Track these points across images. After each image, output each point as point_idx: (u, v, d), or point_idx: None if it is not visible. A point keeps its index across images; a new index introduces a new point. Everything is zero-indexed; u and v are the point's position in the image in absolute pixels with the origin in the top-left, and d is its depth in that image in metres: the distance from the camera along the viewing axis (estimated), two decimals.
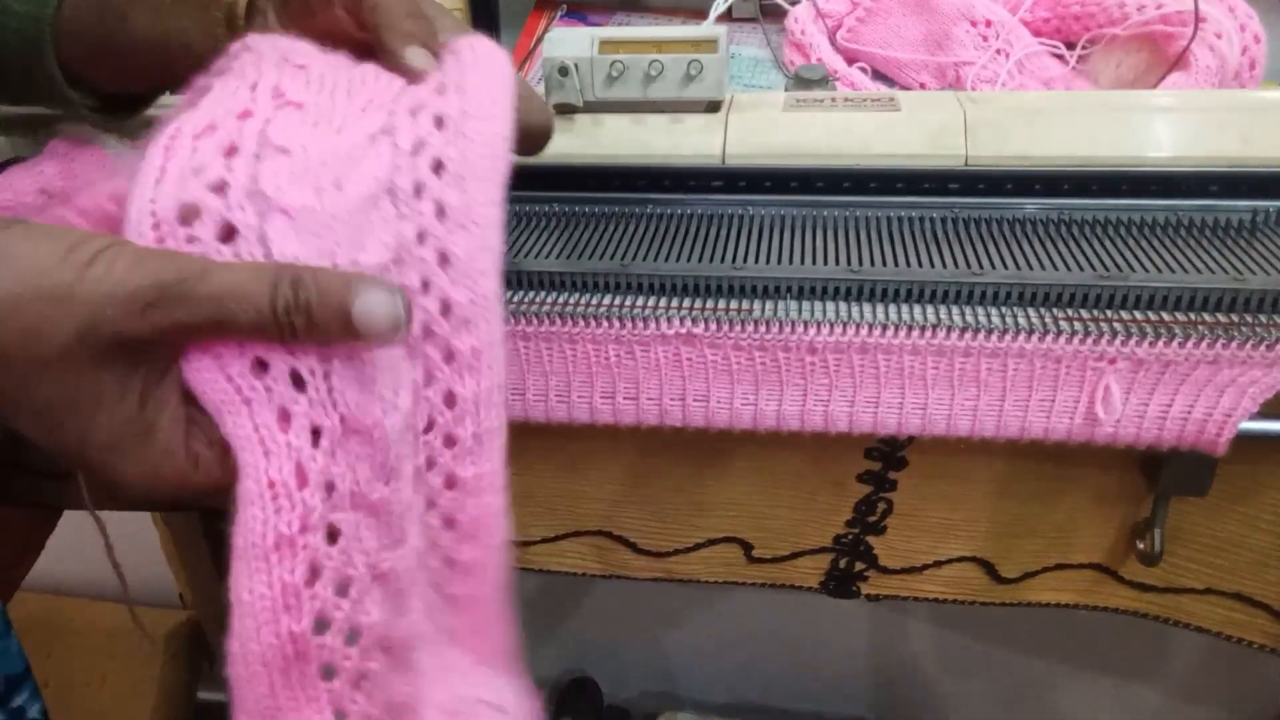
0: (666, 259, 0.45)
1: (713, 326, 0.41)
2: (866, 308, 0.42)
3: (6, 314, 0.25)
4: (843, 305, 0.42)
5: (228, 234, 0.28)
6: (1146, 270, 0.42)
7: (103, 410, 0.27)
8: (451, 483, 0.33)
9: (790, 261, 0.44)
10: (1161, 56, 0.62)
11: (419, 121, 0.32)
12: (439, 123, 0.32)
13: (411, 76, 0.34)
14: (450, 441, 0.32)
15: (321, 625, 0.28)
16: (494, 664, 0.37)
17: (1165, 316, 0.40)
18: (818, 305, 0.42)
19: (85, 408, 0.26)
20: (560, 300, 0.43)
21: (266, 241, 0.28)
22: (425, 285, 0.30)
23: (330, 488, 0.28)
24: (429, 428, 0.32)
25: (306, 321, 0.27)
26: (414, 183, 0.31)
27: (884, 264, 0.43)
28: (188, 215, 0.28)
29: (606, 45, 0.50)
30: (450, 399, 0.32)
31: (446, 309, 0.31)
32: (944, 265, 0.43)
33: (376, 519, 0.29)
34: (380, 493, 0.29)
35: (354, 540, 0.29)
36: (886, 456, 0.49)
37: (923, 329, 0.40)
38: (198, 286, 0.26)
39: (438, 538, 0.33)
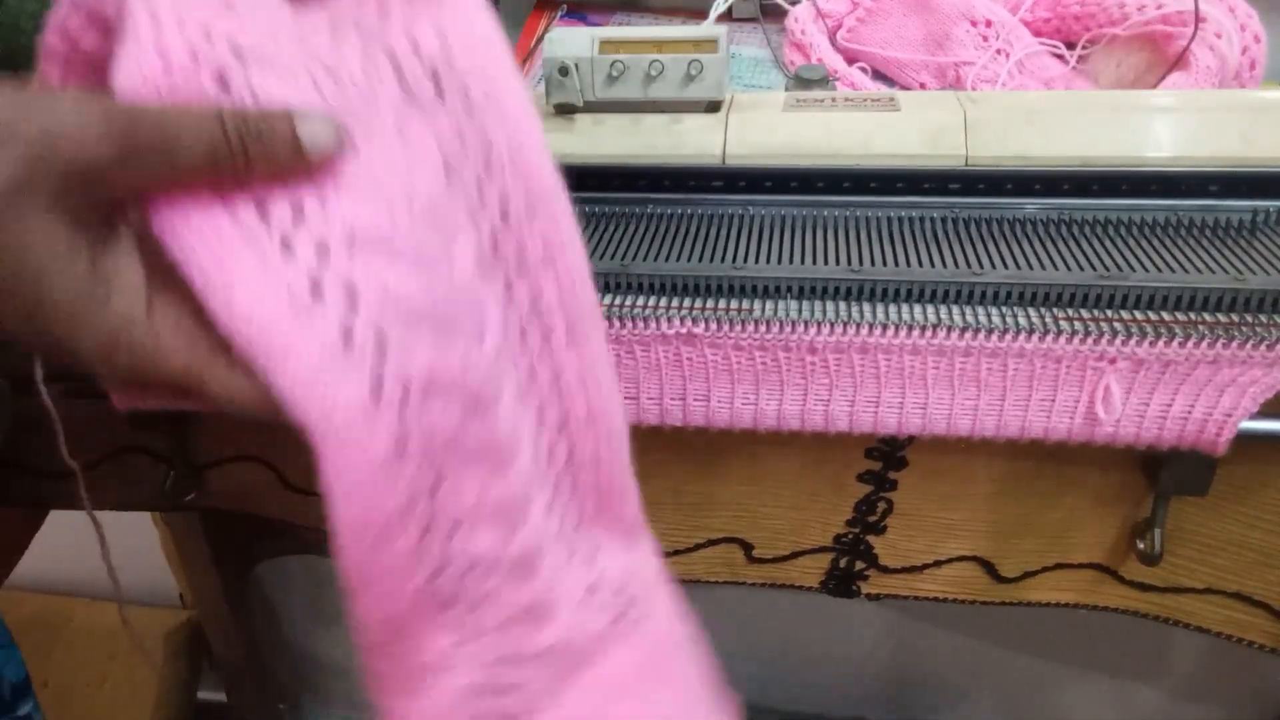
0: (666, 259, 0.45)
1: (713, 326, 0.41)
2: (866, 308, 0.42)
3: None
4: (843, 305, 0.42)
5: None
6: (1146, 270, 0.42)
7: (54, 268, 0.24)
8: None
9: (790, 261, 0.44)
10: (1161, 56, 0.62)
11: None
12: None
13: None
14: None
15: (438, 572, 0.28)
16: (618, 532, 0.35)
17: (1165, 316, 0.40)
18: (818, 305, 0.42)
19: (33, 264, 0.24)
20: None
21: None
22: None
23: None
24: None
25: (260, 146, 0.26)
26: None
27: (884, 264, 0.43)
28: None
29: (607, 45, 0.50)
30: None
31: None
32: (944, 265, 0.43)
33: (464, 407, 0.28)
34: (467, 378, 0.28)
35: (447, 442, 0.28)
36: (887, 456, 0.49)
37: (923, 329, 0.40)
38: (146, 116, 0.25)
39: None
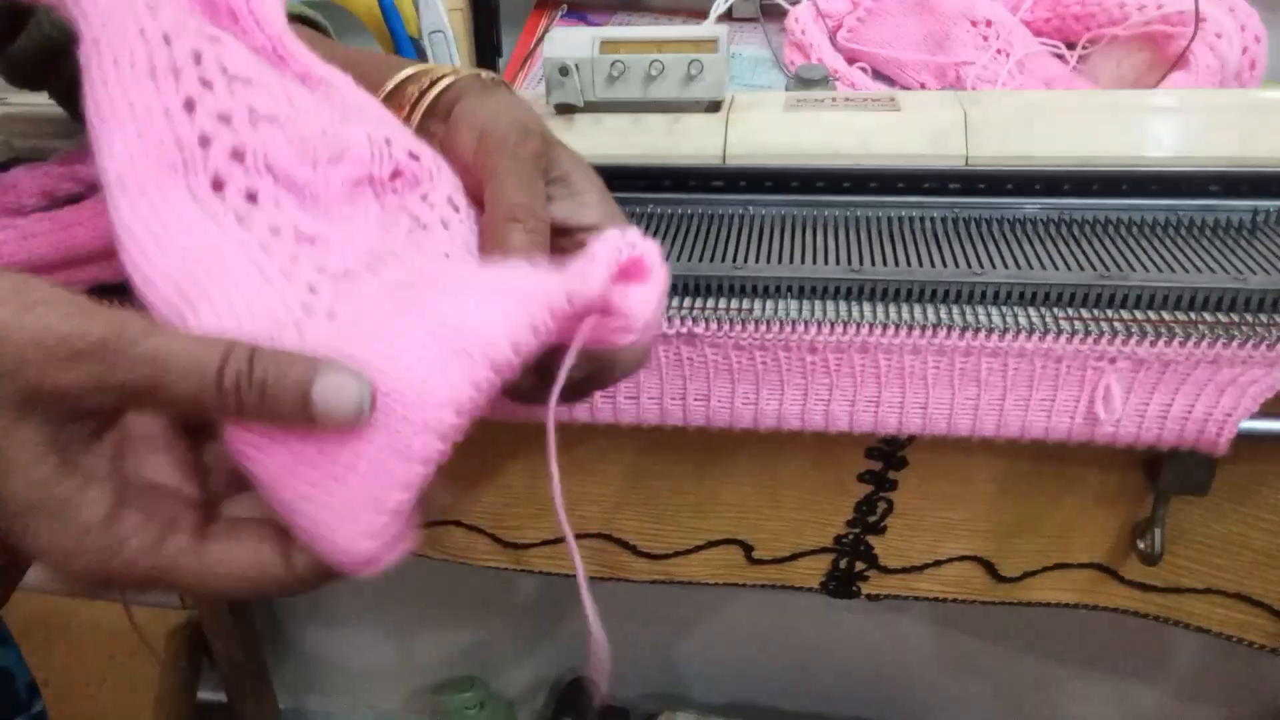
0: (666, 259, 0.44)
1: (713, 326, 0.41)
2: (867, 307, 0.42)
3: None
4: (843, 305, 0.42)
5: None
6: (1147, 270, 0.42)
7: (15, 471, 0.24)
8: None
9: (790, 261, 0.44)
10: (1162, 56, 0.62)
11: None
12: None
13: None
14: None
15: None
16: None
17: (1165, 316, 0.40)
18: (818, 305, 0.42)
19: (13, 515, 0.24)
20: None
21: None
22: None
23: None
24: None
25: (258, 399, 0.25)
26: None
27: (884, 264, 0.43)
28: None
29: (607, 45, 0.50)
30: None
31: None
32: (944, 265, 0.43)
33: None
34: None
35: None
36: (887, 456, 0.49)
37: (923, 329, 0.40)
38: (138, 344, 0.24)
39: None
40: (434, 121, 0.35)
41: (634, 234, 0.31)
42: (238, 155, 0.29)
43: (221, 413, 0.25)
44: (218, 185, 0.29)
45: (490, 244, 0.32)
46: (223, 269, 0.27)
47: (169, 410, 0.26)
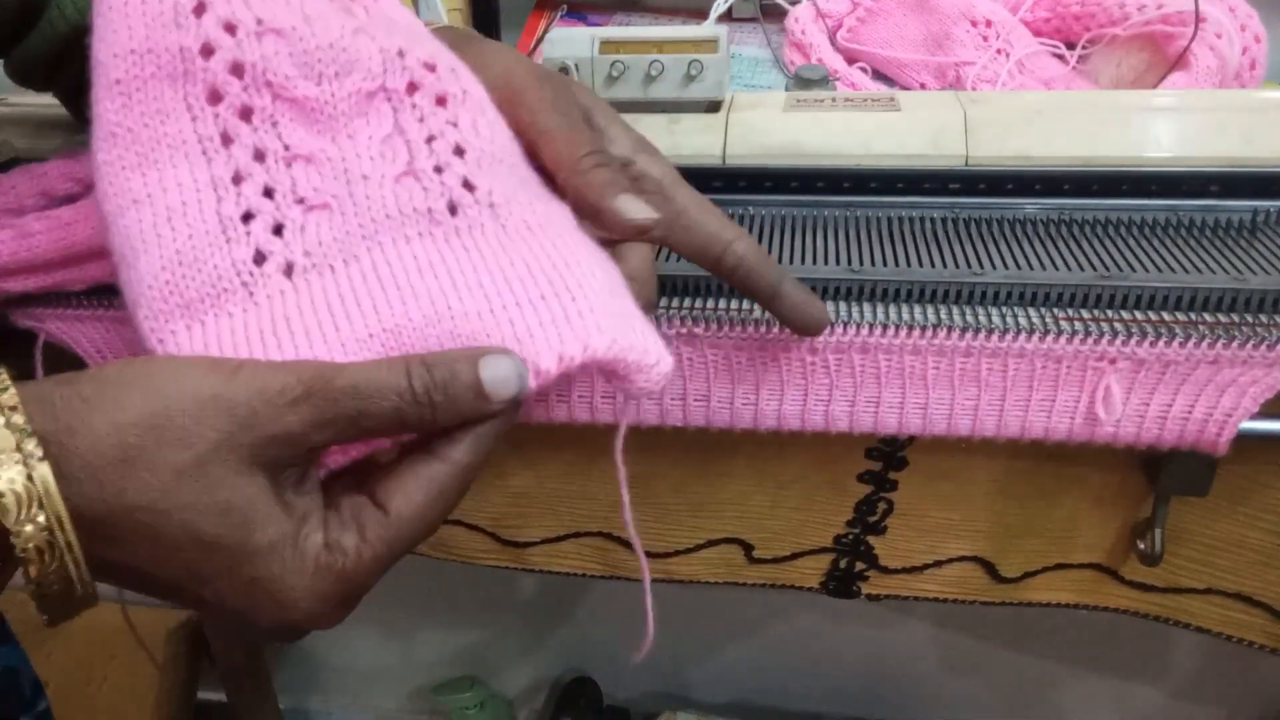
0: (667, 259, 0.44)
1: (713, 326, 0.41)
2: (867, 308, 0.42)
3: (160, 426, 0.24)
4: (843, 305, 0.42)
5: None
6: (1147, 270, 0.42)
7: (257, 520, 0.26)
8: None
9: (790, 261, 0.44)
10: (1162, 56, 0.62)
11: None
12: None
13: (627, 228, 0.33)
14: None
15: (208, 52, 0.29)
16: None
17: (1166, 316, 0.40)
18: None
19: (239, 516, 0.26)
20: None
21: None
22: None
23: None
24: None
25: (445, 398, 0.27)
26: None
27: (884, 264, 0.43)
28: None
29: (607, 45, 0.50)
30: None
31: None
32: (944, 265, 0.43)
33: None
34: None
35: None
36: (887, 456, 0.49)
37: (923, 329, 0.40)
38: (336, 380, 0.26)
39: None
40: None
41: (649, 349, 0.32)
42: (237, 69, 0.29)
43: (418, 423, 0.27)
44: (214, 98, 0.29)
45: (592, 192, 0.33)
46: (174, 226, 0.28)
47: (371, 435, 0.28)
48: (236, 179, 0.29)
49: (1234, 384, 0.39)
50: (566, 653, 1.18)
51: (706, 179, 0.50)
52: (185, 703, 1.04)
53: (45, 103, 0.51)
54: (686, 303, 0.43)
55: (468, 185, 0.33)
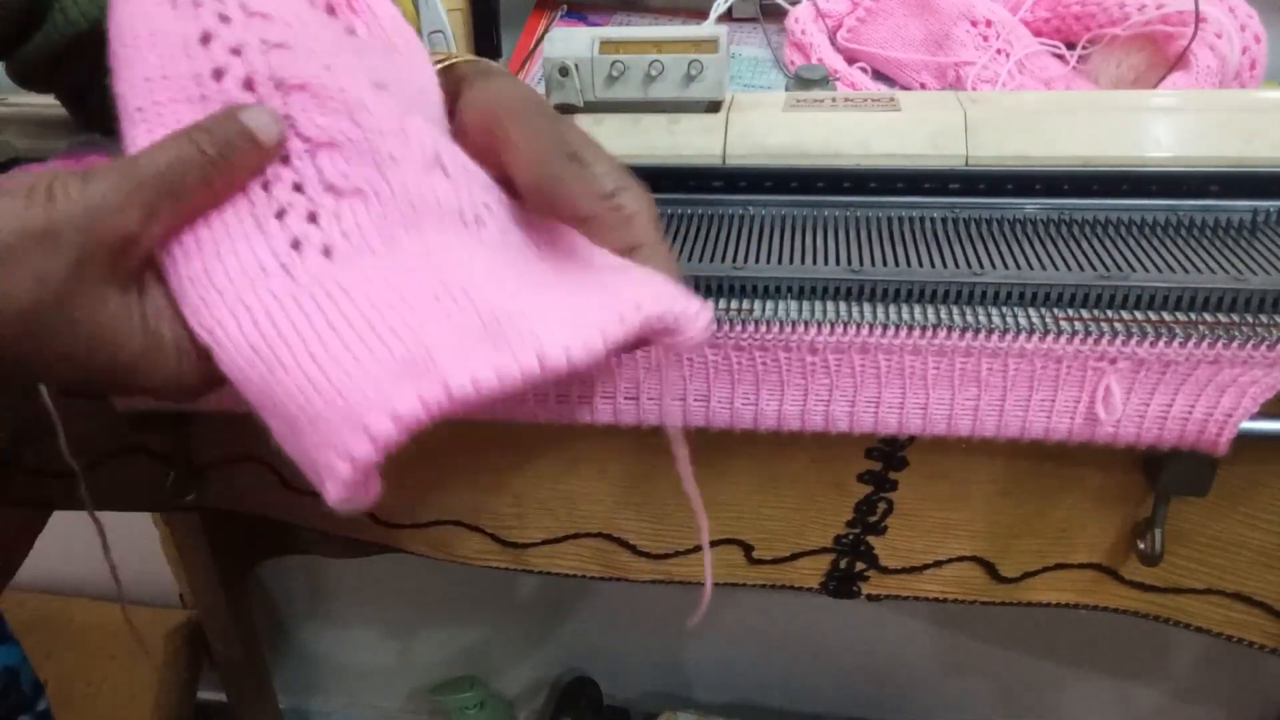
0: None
1: (713, 326, 0.41)
2: (867, 308, 0.42)
3: (11, 267, 0.26)
4: (843, 305, 0.42)
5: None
6: (1147, 270, 0.42)
7: (120, 331, 0.28)
8: None
9: (790, 261, 0.44)
10: (1162, 56, 0.62)
11: None
12: None
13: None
14: None
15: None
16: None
17: (1166, 316, 0.40)
18: (818, 305, 0.42)
19: (105, 334, 0.28)
20: None
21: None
22: None
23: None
24: None
25: (232, 152, 0.29)
26: None
27: (884, 264, 0.43)
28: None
29: (607, 45, 0.50)
30: None
31: None
32: (944, 265, 0.43)
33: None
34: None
35: None
36: (887, 456, 0.49)
37: (923, 329, 0.40)
38: (148, 170, 0.28)
39: None
40: None
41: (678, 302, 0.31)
42: (249, 84, 0.30)
43: (222, 181, 0.29)
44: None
45: (560, 189, 0.33)
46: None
47: (192, 208, 0.29)
48: (265, 185, 0.30)
49: (1234, 384, 0.39)
50: (566, 653, 1.18)
51: (706, 179, 0.50)
52: (185, 703, 1.05)
53: (45, 103, 0.51)
54: None
55: (486, 204, 0.33)
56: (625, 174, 0.36)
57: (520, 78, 0.71)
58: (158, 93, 0.30)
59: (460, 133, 0.36)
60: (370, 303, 0.28)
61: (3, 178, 0.28)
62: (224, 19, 0.30)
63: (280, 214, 0.30)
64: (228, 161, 0.29)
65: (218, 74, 0.30)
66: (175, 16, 0.30)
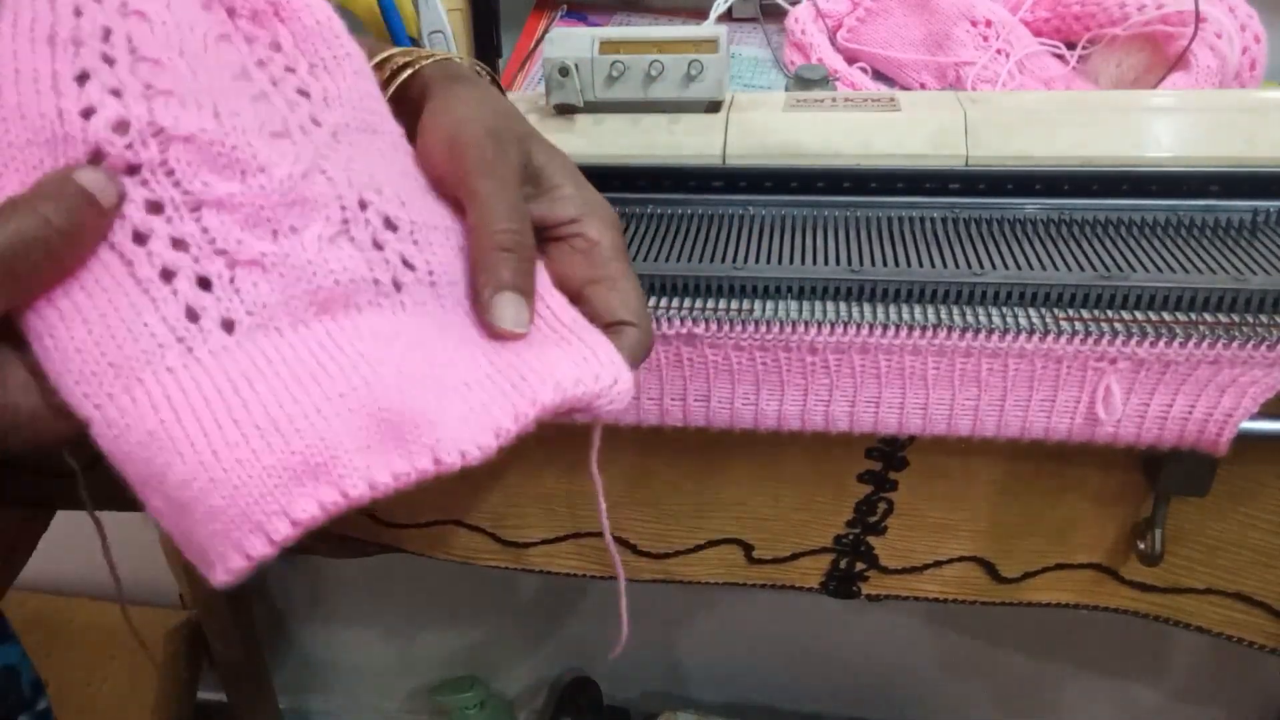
0: (666, 259, 0.45)
1: (713, 326, 0.41)
2: (867, 308, 0.42)
3: None
4: (843, 305, 0.42)
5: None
6: (1147, 270, 0.42)
7: None
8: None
9: (790, 261, 0.44)
10: (1162, 56, 0.62)
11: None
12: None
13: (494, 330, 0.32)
14: None
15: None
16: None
17: (1166, 316, 0.40)
18: (818, 305, 0.42)
19: None
20: None
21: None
22: None
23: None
24: None
25: (71, 218, 0.27)
26: None
27: (884, 264, 0.43)
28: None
29: (607, 45, 0.50)
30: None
31: None
32: (944, 265, 0.43)
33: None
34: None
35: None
36: (887, 456, 0.49)
37: (923, 329, 0.40)
38: None
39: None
40: (402, 115, 0.35)
41: (601, 373, 0.32)
42: (121, 126, 0.28)
43: (65, 248, 0.27)
44: (95, 158, 0.28)
45: (482, 274, 0.32)
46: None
47: (36, 283, 0.27)
48: (140, 239, 0.28)
49: (1234, 384, 0.39)
50: (566, 653, 1.18)
51: (706, 179, 0.50)
52: (185, 703, 1.04)
53: None
54: (686, 303, 0.43)
55: (407, 264, 0.32)
56: (590, 199, 0.35)
57: (519, 86, 0.71)
58: (15, 132, 0.27)
59: (420, 150, 0.34)
60: (274, 396, 0.27)
61: None
62: (108, 60, 0.28)
63: (166, 275, 0.28)
64: (76, 231, 0.27)
65: (86, 112, 0.27)
66: (51, 54, 0.27)
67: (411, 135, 0.35)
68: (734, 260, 0.44)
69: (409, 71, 0.36)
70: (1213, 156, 0.46)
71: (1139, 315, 0.40)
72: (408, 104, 0.35)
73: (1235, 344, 0.38)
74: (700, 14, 0.74)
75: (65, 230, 0.26)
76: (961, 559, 0.53)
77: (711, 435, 0.45)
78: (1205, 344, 0.38)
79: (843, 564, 0.55)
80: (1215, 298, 0.40)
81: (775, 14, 0.72)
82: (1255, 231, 0.45)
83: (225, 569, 0.26)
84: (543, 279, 0.34)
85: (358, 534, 0.61)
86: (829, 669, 1.11)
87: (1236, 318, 0.40)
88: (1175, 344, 0.38)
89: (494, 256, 0.32)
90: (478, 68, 0.39)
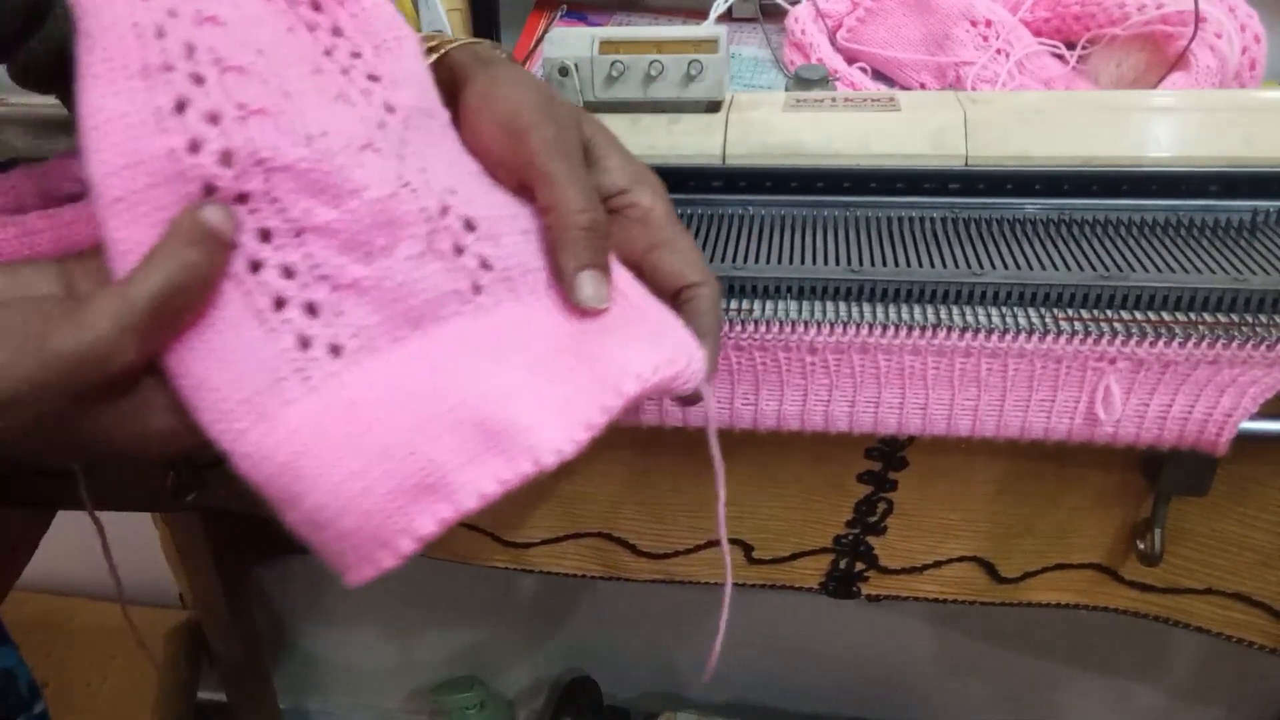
0: None
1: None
2: (866, 308, 0.42)
3: (7, 418, 0.27)
4: (843, 305, 0.42)
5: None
6: (1146, 270, 0.42)
7: (110, 431, 0.29)
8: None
9: (790, 261, 0.44)
10: (1161, 56, 0.62)
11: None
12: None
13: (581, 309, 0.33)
14: None
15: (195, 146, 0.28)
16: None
17: (1165, 316, 0.40)
18: (818, 305, 0.42)
19: (95, 437, 0.29)
20: None
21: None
22: None
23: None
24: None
25: (211, 249, 0.28)
26: None
27: (884, 264, 0.43)
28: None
29: (607, 45, 0.50)
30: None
31: None
32: (944, 265, 0.43)
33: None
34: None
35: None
36: (887, 456, 0.49)
37: (923, 329, 0.40)
38: (135, 301, 0.27)
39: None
40: None
41: (685, 362, 0.33)
42: (226, 158, 0.29)
43: (208, 285, 0.28)
44: (208, 192, 0.29)
45: (567, 256, 0.33)
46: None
47: (183, 324, 0.29)
48: (255, 267, 0.29)
49: (1234, 384, 0.39)
50: (566, 653, 1.18)
51: (706, 179, 0.50)
52: (185, 703, 1.04)
53: (45, 103, 0.51)
54: None
55: (485, 264, 0.33)
56: (637, 168, 0.36)
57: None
58: (135, 179, 0.28)
59: (468, 134, 0.35)
60: (384, 422, 0.29)
61: None
62: (198, 80, 0.28)
63: (279, 304, 0.29)
64: (215, 270, 0.28)
65: (193, 147, 0.28)
66: (147, 88, 0.28)
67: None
68: (734, 260, 0.44)
69: (435, 55, 0.37)
70: (1212, 156, 0.46)
71: (1139, 315, 0.40)
72: (440, 88, 0.36)
73: (1235, 344, 0.38)
74: (700, 14, 0.74)
75: (206, 271, 0.28)
76: (961, 559, 0.53)
77: None
78: (1205, 344, 0.38)
79: (842, 564, 0.55)
80: (1215, 298, 0.40)
81: (775, 14, 0.72)
82: (1255, 231, 0.45)
83: (360, 577, 0.29)
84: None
85: None
86: (829, 669, 1.11)
87: (1236, 318, 0.40)
88: (1175, 344, 0.38)
89: (575, 237, 0.33)
90: (500, 49, 0.40)
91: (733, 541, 0.55)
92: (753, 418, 0.43)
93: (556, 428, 0.30)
